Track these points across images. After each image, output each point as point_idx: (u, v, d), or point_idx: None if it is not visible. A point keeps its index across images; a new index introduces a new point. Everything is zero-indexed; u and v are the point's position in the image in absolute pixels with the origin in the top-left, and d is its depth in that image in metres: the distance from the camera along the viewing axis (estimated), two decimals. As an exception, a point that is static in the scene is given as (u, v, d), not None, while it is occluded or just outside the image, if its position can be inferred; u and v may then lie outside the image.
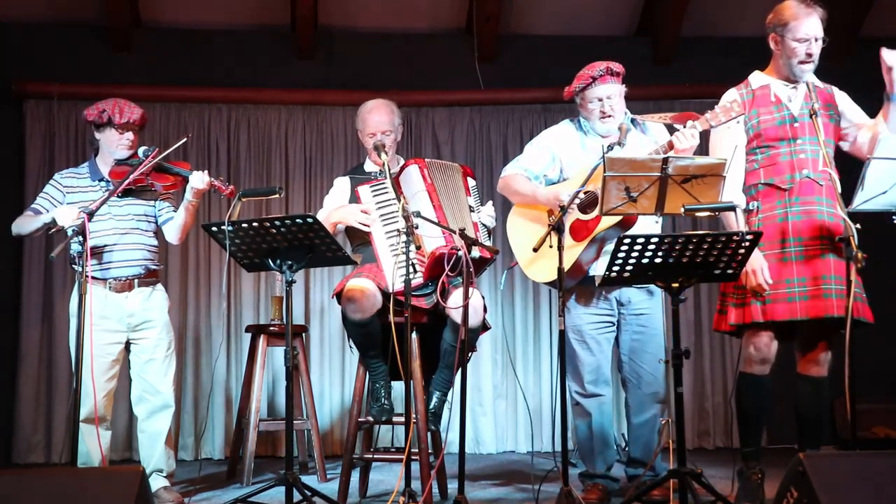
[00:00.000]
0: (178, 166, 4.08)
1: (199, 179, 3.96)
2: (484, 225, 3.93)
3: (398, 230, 3.70)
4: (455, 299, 3.70)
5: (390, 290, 3.68)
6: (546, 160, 3.96)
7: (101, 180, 4.03)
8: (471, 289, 3.58)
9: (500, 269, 6.09)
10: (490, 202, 4.04)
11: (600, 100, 3.81)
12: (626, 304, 3.87)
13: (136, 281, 3.99)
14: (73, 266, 3.94)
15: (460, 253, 3.51)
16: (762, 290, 3.47)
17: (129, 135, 4.03)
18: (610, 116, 3.82)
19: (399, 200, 3.56)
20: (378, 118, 4.05)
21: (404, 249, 3.43)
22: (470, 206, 3.90)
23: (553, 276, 3.66)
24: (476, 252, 3.61)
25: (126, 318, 3.97)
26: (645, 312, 3.85)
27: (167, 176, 4.03)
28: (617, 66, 3.81)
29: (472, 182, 4.00)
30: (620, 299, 3.87)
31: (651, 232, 3.61)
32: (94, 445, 3.83)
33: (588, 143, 3.90)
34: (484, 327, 3.93)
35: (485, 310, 3.85)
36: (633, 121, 3.94)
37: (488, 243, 3.84)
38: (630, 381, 3.91)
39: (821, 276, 3.46)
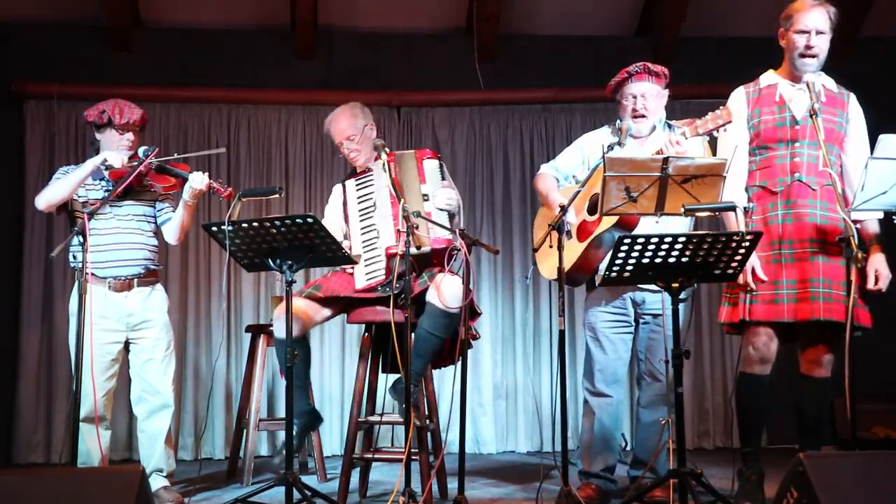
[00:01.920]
0: (178, 167, 4.08)
1: (198, 180, 3.96)
2: (442, 210, 3.87)
3: (372, 225, 3.81)
4: (446, 286, 3.67)
5: (358, 286, 3.80)
6: (576, 161, 4.00)
7: (101, 180, 4.03)
8: (444, 273, 3.63)
9: (517, 264, 6.13)
10: (446, 183, 3.95)
11: (634, 97, 3.79)
12: (642, 304, 3.87)
13: (135, 280, 3.99)
14: (72, 265, 3.96)
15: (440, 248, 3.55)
16: (757, 280, 3.49)
17: (130, 135, 4.04)
18: (643, 116, 3.79)
19: (399, 200, 3.58)
20: (339, 126, 4.08)
21: (399, 247, 3.47)
22: (424, 195, 3.86)
23: (555, 273, 3.71)
24: (427, 248, 3.69)
25: (125, 317, 3.97)
26: (661, 312, 3.82)
27: (167, 177, 4.03)
28: (657, 67, 3.79)
29: (431, 164, 3.94)
30: (635, 299, 3.86)
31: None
32: (94, 445, 3.84)
33: (603, 145, 3.87)
34: (474, 312, 3.88)
35: (471, 300, 3.84)
36: (668, 125, 3.93)
37: (446, 230, 3.76)
38: (644, 380, 3.92)
39: (808, 280, 3.48)
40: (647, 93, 3.79)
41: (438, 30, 6.40)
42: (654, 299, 3.84)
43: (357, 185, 3.98)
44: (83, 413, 3.68)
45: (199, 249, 5.98)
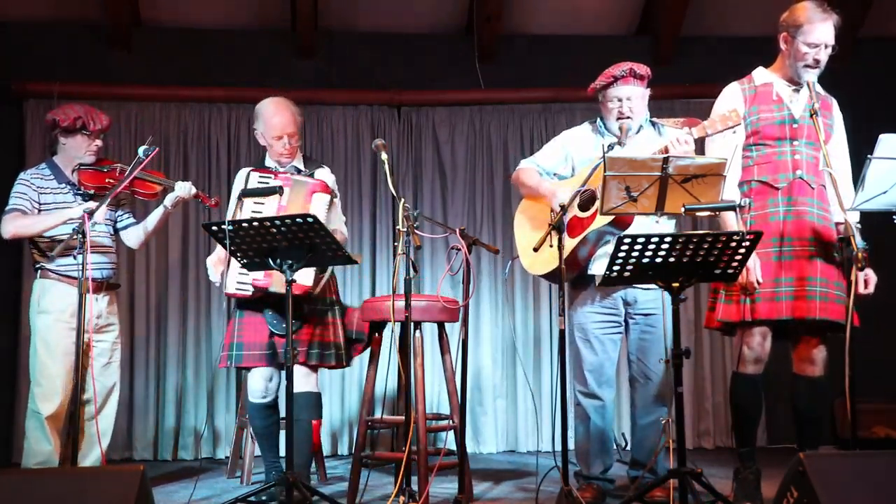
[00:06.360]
0: (156, 175, 4.20)
1: (185, 189, 4.09)
2: None
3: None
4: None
5: (226, 290, 3.78)
6: (559, 158, 3.99)
7: (68, 183, 4.09)
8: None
9: (517, 263, 6.11)
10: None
11: (620, 100, 3.79)
12: (633, 303, 3.85)
13: (104, 284, 4.12)
14: (38, 266, 4.05)
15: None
16: (752, 287, 3.49)
17: (99, 141, 4.15)
18: (628, 118, 3.79)
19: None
20: (282, 120, 3.97)
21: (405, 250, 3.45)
22: None
23: (544, 269, 3.75)
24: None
25: (95, 318, 4.07)
26: (653, 312, 3.81)
27: (150, 184, 4.15)
28: (641, 69, 3.79)
29: (321, 199, 3.85)
30: (627, 299, 3.85)
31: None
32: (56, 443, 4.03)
33: (603, 144, 3.88)
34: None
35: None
36: (653, 123, 3.93)
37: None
38: (638, 381, 3.89)
39: (806, 278, 3.49)
40: (632, 95, 3.79)
41: (438, 30, 6.41)
42: (646, 298, 3.83)
43: (259, 179, 3.90)
44: (50, 410, 3.92)
45: (200, 249, 5.98)
